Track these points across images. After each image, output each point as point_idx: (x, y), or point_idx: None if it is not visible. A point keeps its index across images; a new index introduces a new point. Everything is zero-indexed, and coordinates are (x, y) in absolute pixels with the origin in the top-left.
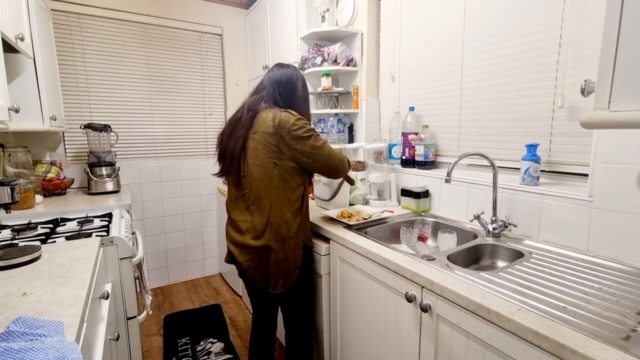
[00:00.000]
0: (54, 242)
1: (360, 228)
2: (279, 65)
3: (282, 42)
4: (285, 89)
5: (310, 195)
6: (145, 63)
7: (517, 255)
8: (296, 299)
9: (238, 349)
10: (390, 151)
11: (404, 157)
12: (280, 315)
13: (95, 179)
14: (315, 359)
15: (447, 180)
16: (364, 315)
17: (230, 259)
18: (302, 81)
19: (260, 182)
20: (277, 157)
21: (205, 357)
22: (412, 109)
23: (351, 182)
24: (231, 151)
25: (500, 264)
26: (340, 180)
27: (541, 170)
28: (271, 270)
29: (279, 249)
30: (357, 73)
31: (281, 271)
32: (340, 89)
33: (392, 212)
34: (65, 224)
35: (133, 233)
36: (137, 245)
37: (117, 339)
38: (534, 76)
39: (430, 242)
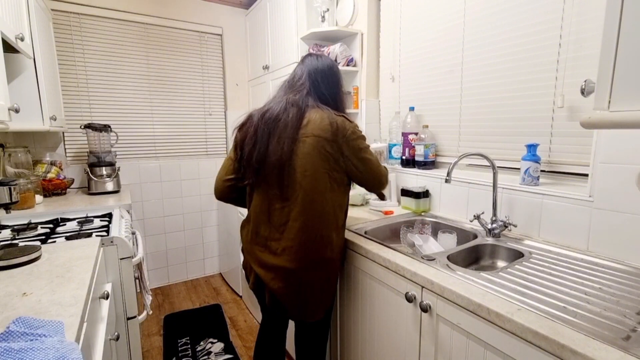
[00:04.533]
0: (54, 242)
1: (361, 228)
2: (312, 56)
3: (282, 42)
4: (329, 83)
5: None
6: (145, 63)
7: (517, 255)
8: (323, 321)
9: (238, 349)
10: (390, 151)
11: (404, 157)
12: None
13: (95, 179)
14: None
15: (447, 180)
16: (364, 314)
17: (256, 286)
18: (340, 72)
19: (310, 196)
20: (331, 168)
21: (205, 357)
22: (412, 109)
23: (383, 197)
24: (277, 156)
25: (500, 264)
26: None
27: (541, 170)
28: (312, 297)
29: (323, 272)
30: (357, 73)
31: (324, 296)
32: None
33: (392, 212)
34: (65, 224)
35: (133, 233)
36: (137, 245)
37: (117, 339)
38: (534, 76)
39: None
